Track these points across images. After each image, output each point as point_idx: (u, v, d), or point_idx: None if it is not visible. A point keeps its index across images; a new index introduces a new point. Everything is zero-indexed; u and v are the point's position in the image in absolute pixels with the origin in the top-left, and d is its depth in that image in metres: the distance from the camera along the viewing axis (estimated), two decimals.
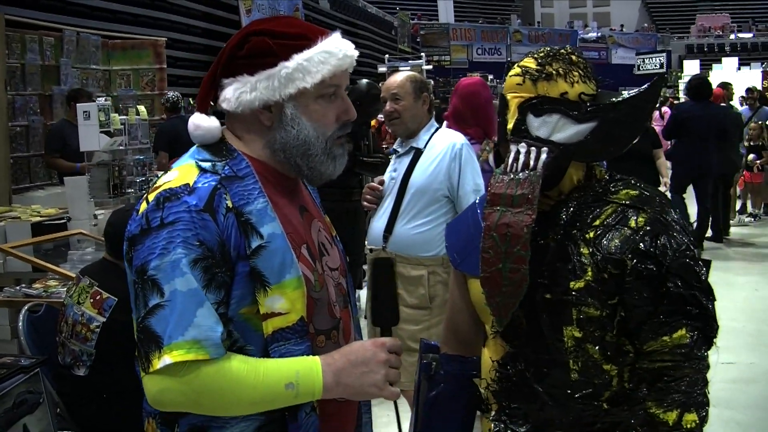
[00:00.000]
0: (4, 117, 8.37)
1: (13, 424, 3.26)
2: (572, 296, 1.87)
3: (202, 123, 1.84)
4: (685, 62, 30.19)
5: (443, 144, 4.12)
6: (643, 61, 36.01)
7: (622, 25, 50.62)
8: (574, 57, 1.98)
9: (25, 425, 3.33)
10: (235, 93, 1.80)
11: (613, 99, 1.94)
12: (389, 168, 4.35)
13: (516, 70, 2.00)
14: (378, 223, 4.20)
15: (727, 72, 22.74)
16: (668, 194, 8.41)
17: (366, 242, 4.46)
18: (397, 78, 4.27)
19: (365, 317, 5.06)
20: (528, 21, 51.29)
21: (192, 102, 12.31)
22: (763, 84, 20.26)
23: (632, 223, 1.87)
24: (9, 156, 8.41)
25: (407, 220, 4.08)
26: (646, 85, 1.96)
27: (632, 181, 1.99)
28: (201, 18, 17.94)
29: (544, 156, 1.92)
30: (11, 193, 8.17)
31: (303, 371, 1.71)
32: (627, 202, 1.91)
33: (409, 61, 16.43)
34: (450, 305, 2.29)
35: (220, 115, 1.88)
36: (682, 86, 21.88)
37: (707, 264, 1.89)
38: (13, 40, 8.96)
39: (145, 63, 11.72)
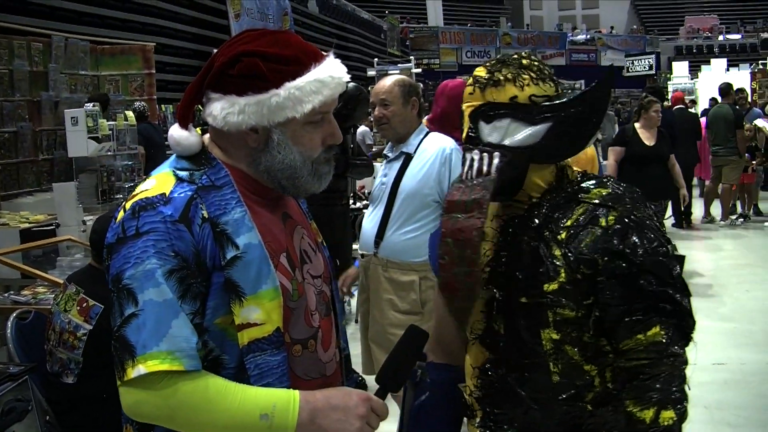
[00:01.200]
0: None
1: (1, 431, 3.24)
2: (547, 299, 1.88)
3: (181, 140, 1.81)
4: (674, 64, 30.27)
5: (433, 149, 4.09)
6: (632, 63, 36.09)
7: (612, 27, 50.77)
8: (525, 61, 1.99)
9: None
10: (222, 112, 1.76)
11: (567, 98, 1.95)
12: (380, 173, 4.33)
13: (470, 80, 2.02)
14: (369, 228, 4.18)
15: (715, 73, 22.82)
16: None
17: (358, 247, 4.45)
18: (386, 83, 4.24)
19: (356, 321, 5.05)
20: (517, 24, 51.39)
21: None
22: (751, 85, 20.35)
23: (602, 222, 1.87)
24: None
25: (398, 226, 4.06)
26: (597, 80, 1.97)
27: (604, 180, 2.00)
28: (190, 23, 17.91)
29: (496, 161, 1.92)
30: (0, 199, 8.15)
31: (280, 404, 1.69)
32: (597, 201, 1.92)
33: (399, 65, 16.44)
34: (435, 314, 2.29)
35: (205, 122, 1.86)
36: (671, 88, 21.97)
37: (680, 260, 1.90)
38: (0, 45, 8.94)
39: (134, 68, 11.73)
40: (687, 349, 1.89)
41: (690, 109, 14.67)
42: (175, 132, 1.83)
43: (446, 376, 2.17)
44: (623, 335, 1.85)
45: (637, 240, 1.84)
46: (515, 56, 2.02)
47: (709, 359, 6.17)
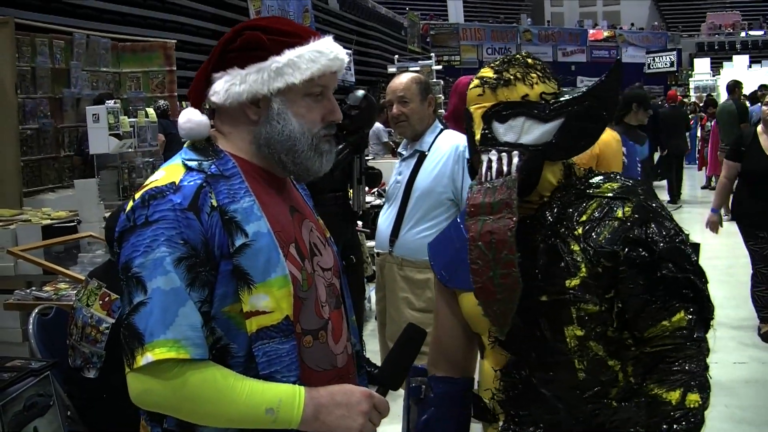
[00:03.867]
0: (14, 120, 8.41)
1: (23, 426, 3.27)
2: (569, 295, 1.87)
3: (193, 117, 1.87)
4: (696, 60, 30.06)
5: (446, 146, 4.09)
6: (654, 60, 35.89)
7: (632, 24, 50.48)
8: (530, 60, 2.00)
9: (36, 428, 3.34)
10: (225, 85, 1.83)
11: (576, 93, 1.95)
12: (394, 171, 4.33)
13: (475, 82, 2.02)
14: (384, 227, 4.19)
15: (737, 70, 22.68)
16: None
17: (374, 245, 4.45)
18: (402, 80, 4.22)
19: (375, 318, 5.05)
20: (538, 20, 51.20)
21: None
22: None
23: (619, 214, 1.87)
24: (20, 159, 8.45)
25: (413, 224, 4.07)
26: (605, 74, 1.96)
27: (612, 175, 2.00)
28: (210, 20, 17.97)
29: (516, 160, 1.92)
30: (22, 195, 8.21)
31: (285, 399, 1.72)
32: (611, 195, 1.92)
33: (419, 62, 16.41)
34: (437, 325, 2.25)
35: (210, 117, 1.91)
36: (693, 85, 21.86)
37: (696, 247, 1.91)
38: (23, 43, 9.00)
39: (155, 65, 11.76)
40: (708, 336, 1.88)
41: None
42: (187, 112, 1.88)
43: (450, 389, 2.16)
44: (647, 324, 1.85)
45: (655, 228, 1.85)
46: (518, 56, 2.03)
47: (730, 358, 6.14)
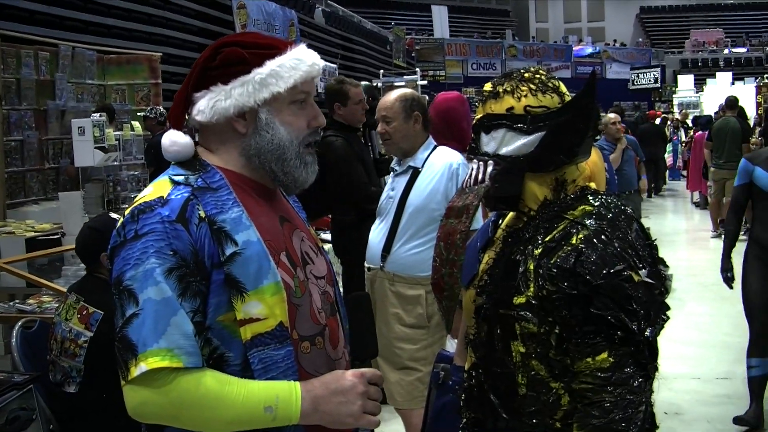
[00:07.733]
0: None
1: None
2: (515, 311, 1.90)
3: (178, 140, 1.89)
4: (680, 77, 30.28)
5: (440, 163, 4.10)
6: (638, 76, 36.04)
7: (614, 40, 50.78)
8: (527, 74, 2.03)
9: None
10: (209, 102, 1.86)
11: (556, 106, 1.98)
12: (387, 187, 4.33)
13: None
14: (376, 242, 4.18)
15: (721, 87, 22.85)
16: None
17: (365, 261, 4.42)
18: (389, 98, 4.23)
19: None
20: (523, 36, 51.44)
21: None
22: (756, 99, 20.35)
23: (573, 240, 1.86)
24: (4, 171, 8.41)
25: (404, 241, 4.07)
26: (583, 87, 1.98)
27: (599, 196, 1.98)
28: (196, 33, 17.95)
29: (489, 169, 1.99)
30: (5, 207, 8.17)
31: (283, 395, 1.74)
32: (576, 218, 1.91)
33: (404, 76, 16.46)
34: (463, 319, 2.35)
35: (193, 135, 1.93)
36: (676, 102, 22.06)
37: (651, 287, 1.83)
38: (8, 54, 8.97)
39: (140, 78, 11.72)
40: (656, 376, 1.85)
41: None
42: (171, 135, 1.90)
43: None
44: (576, 356, 1.84)
45: (597, 261, 1.81)
46: (522, 70, 2.06)
47: (713, 373, 6.17)
